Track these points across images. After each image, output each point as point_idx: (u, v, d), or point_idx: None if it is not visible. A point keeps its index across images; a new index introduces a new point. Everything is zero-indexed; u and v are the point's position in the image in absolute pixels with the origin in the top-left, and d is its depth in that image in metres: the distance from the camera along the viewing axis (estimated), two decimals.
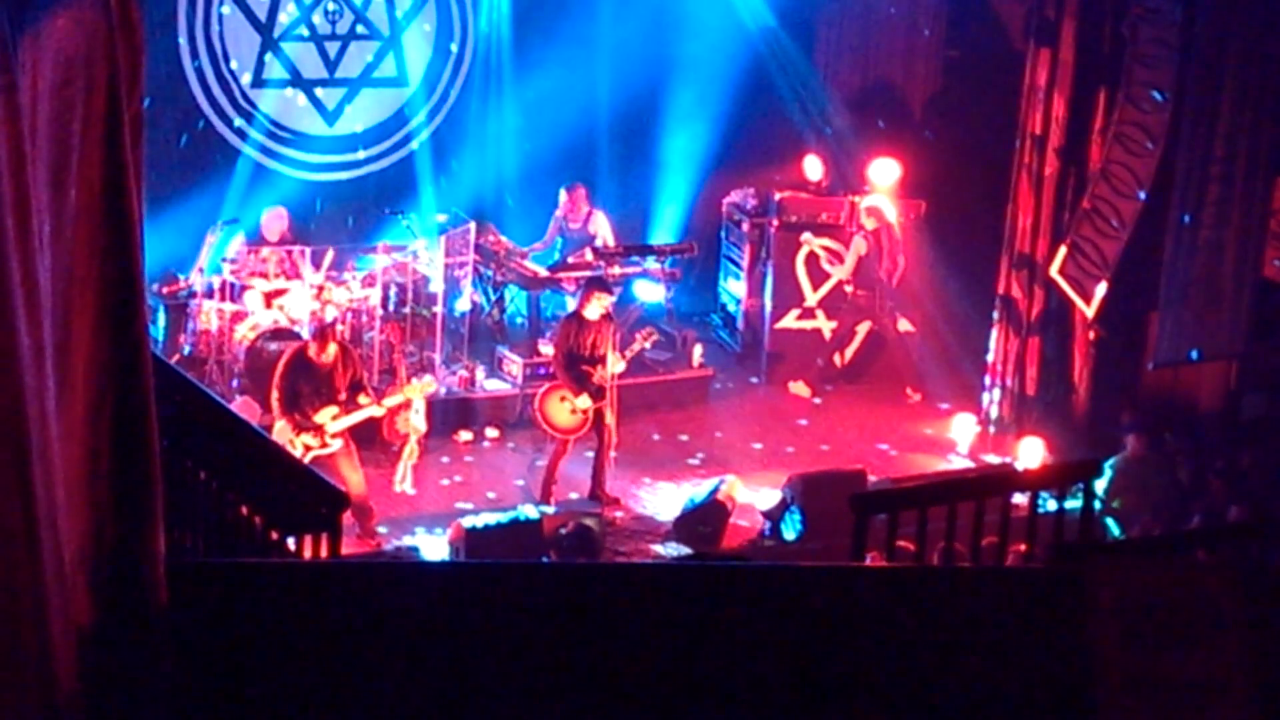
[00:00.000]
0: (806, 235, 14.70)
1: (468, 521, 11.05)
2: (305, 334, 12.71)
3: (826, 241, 14.74)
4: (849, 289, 14.60)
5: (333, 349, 11.44)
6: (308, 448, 11.20)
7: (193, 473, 7.21)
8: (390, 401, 11.93)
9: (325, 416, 11.27)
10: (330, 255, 13.80)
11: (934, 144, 15.54)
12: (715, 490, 11.88)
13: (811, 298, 14.85)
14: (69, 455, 4.17)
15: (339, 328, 12.68)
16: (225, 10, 14.96)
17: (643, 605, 5.60)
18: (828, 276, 14.77)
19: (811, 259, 14.78)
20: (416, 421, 12.18)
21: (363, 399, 11.55)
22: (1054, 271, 13.11)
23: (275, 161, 15.42)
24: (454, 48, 15.99)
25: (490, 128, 16.08)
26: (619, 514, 12.19)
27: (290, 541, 7.43)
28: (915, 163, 15.02)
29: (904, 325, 14.68)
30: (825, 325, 14.82)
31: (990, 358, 13.83)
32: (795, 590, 5.75)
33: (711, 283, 16.05)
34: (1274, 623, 5.27)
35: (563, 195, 14.94)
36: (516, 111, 16.11)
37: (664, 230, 16.16)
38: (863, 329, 14.80)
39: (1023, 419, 13.48)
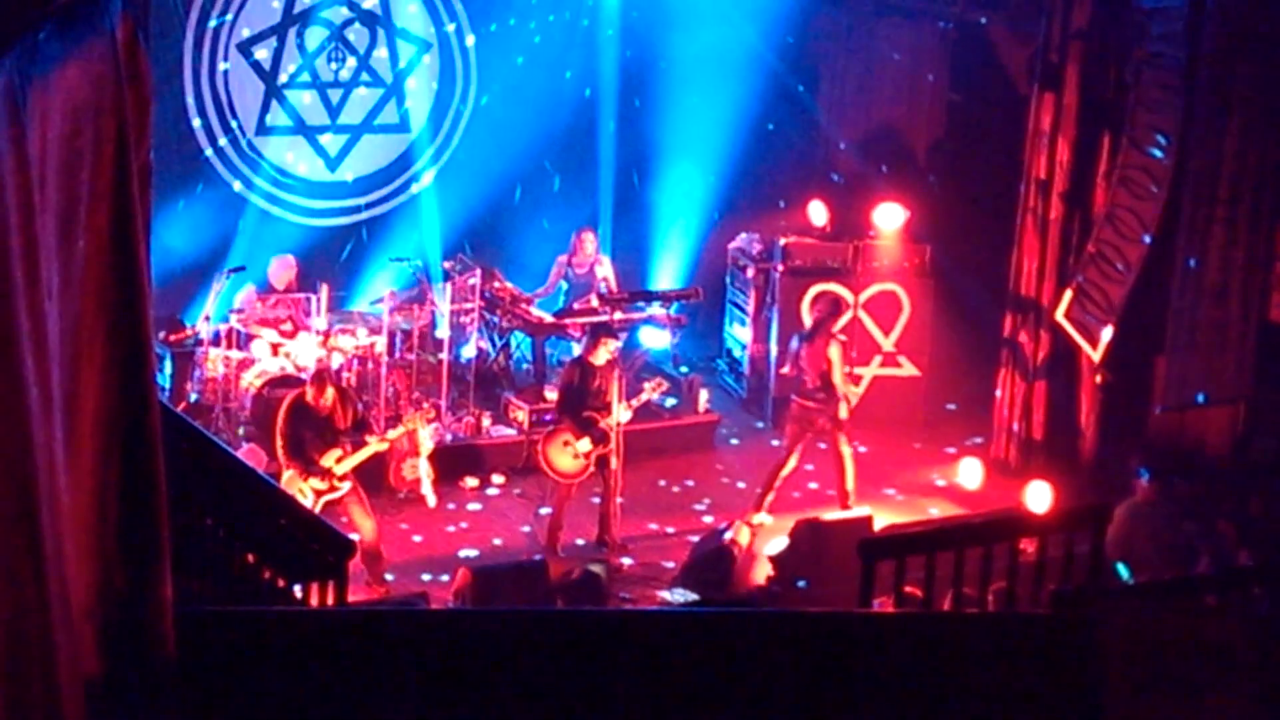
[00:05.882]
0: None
1: (474, 567, 11.02)
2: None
3: (834, 287, 14.76)
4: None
5: (330, 392, 11.44)
6: (318, 493, 11.21)
7: (200, 520, 7.21)
8: (393, 434, 12.03)
9: (330, 460, 11.27)
10: (325, 291, 13.78)
11: (938, 188, 15.57)
12: (722, 536, 11.85)
13: None
14: (77, 504, 4.17)
15: (343, 374, 12.69)
16: (227, 65, 15.02)
17: (650, 652, 5.58)
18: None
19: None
20: (423, 440, 12.52)
21: (369, 437, 11.59)
22: (1059, 315, 13.11)
23: (280, 209, 15.47)
24: (456, 94, 16.05)
25: (494, 173, 16.12)
26: (626, 560, 12.16)
27: (297, 589, 7.43)
28: (920, 207, 15.04)
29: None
30: None
31: (997, 402, 13.82)
32: (803, 636, 5.74)
33: (717, 328, 16.05)
34: None
35: (572, 239, 14.97)
36: (521, 156, 16.15)
37: (669, 276, 16.18)
38: (869, 372, 14.80)
39: (1030, 463, 13.44)
